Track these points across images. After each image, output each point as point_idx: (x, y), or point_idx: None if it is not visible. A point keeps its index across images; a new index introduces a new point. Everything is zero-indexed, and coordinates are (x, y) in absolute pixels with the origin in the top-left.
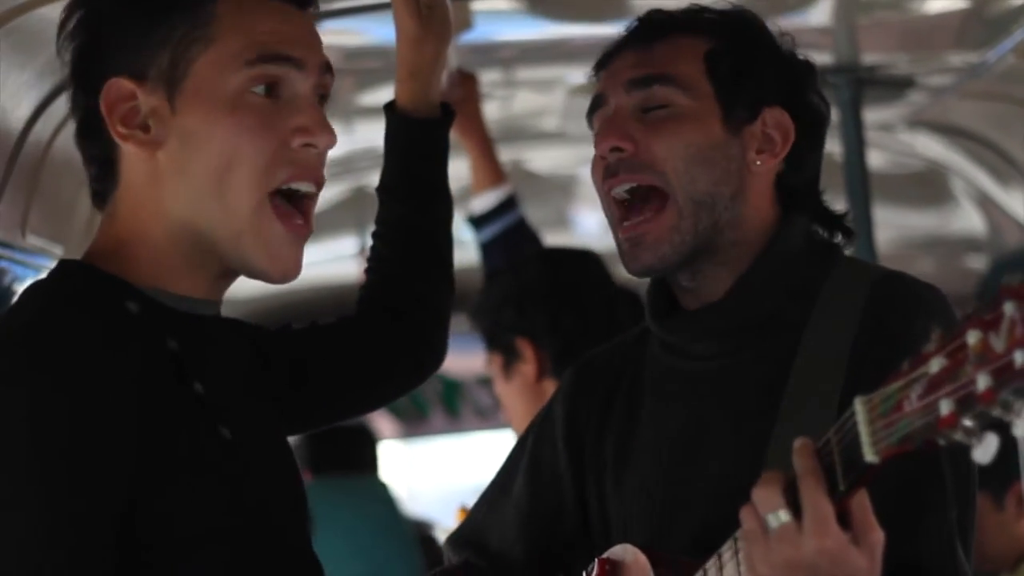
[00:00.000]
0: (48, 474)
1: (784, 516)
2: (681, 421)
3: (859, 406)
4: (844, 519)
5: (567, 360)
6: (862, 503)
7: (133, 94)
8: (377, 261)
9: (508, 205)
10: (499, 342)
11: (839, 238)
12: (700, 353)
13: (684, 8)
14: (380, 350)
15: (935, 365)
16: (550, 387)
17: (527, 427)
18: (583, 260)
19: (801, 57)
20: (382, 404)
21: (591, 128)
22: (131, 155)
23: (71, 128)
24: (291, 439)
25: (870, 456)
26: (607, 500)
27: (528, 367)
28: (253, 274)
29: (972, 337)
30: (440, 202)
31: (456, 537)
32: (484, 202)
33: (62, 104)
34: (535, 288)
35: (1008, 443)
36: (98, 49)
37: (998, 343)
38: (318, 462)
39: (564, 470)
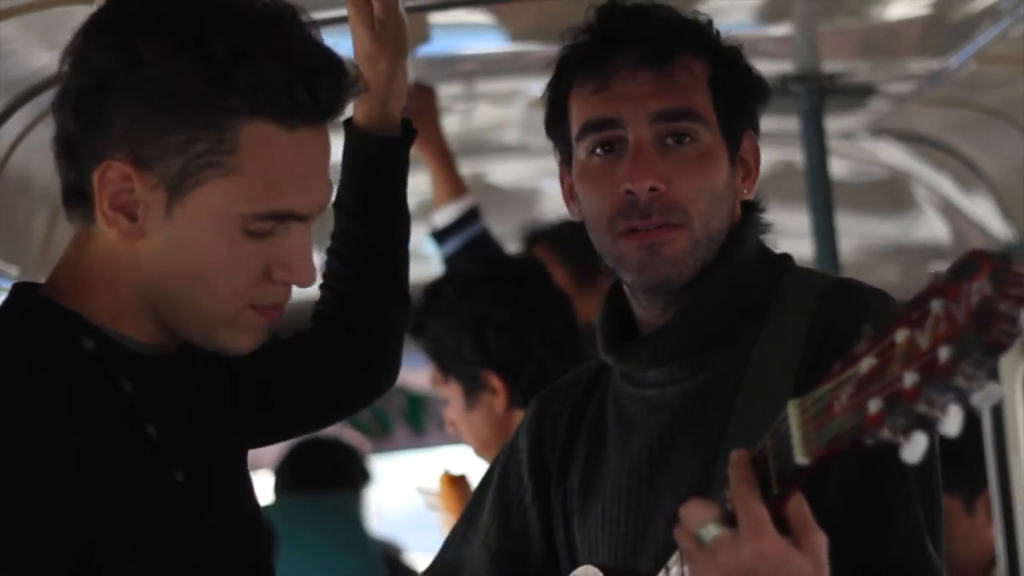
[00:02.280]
0: None
1: (714, 528)
2: (643, 449)
3: (792, 409)
4: (783, 524)
5: (541, 387)
6: (798, 506)
7: (130, 180)
8: (332, 277)
9: (470, 217)
10: (459, 373)
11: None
12: (655, 380)
13: (685, 20)
14: (335, 365)
15: (865, 365)
16: (519, 416)
17: (494, 459)
18: (540, 274)
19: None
20: (339, 419)
21: (591, 137)
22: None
23: (27, 147)
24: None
25: (800, 458)
26: (572, 530)
27: (497, 399)
28: (216, 351)
29: (900, 335)
30: (397, 221)
31: (427, 574)
32: (446, 215)
33: (16, 123)
34: (494, 315)
35: (979, 448)
36: (106, 120)
37: (923, 340)
38: (290, 478)
39: (530, 502)
